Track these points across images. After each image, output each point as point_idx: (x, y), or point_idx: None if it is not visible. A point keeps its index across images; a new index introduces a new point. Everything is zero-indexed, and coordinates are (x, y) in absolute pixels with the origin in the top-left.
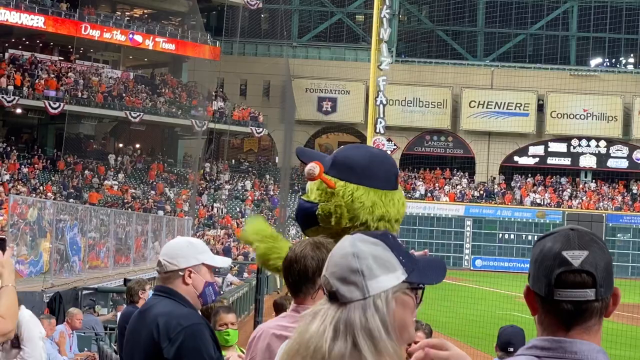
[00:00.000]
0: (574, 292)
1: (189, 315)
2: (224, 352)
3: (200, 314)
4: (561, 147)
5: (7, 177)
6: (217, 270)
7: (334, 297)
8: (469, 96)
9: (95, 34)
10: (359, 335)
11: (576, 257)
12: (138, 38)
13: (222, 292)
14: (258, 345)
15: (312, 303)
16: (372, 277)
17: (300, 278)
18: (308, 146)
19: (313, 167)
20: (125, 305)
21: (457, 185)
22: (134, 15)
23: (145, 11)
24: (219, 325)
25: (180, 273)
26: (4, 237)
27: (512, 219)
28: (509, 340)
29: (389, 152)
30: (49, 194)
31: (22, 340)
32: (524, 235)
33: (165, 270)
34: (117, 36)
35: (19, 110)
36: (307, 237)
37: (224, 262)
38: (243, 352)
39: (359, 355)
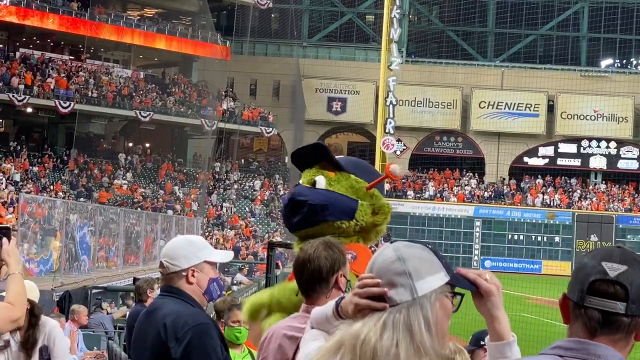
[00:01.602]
0: (604, 301)
1: (196, 315)
2: (232, 351)
3: (207, 313)
4: (571, 148)
5: (17, 176)
6: (226, 269)
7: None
8: (479, 97)
9: (106, 33)
10: (399, 330)
11: (614, 269)
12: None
13: (232, 291)
14: (270, 346)
15: (325, 302)
16: (419, 277)
17: (314, 278)
18: None
19: (401, 168)
20: (134, 304)
21: (466, 185)
22: (145, 14)
23: (156, 11)
24: (232, 322)
25: (184, 273)
26: (8, 225)
27: (522, 220)
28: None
29: (398, 152)
30: (59, 193)
31: (52, 354)
32: (533, 236)
33: (168, 272)
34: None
35: (29, 109)
36: (314, 238)
37: (225, 256)
38: (249, 351)
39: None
